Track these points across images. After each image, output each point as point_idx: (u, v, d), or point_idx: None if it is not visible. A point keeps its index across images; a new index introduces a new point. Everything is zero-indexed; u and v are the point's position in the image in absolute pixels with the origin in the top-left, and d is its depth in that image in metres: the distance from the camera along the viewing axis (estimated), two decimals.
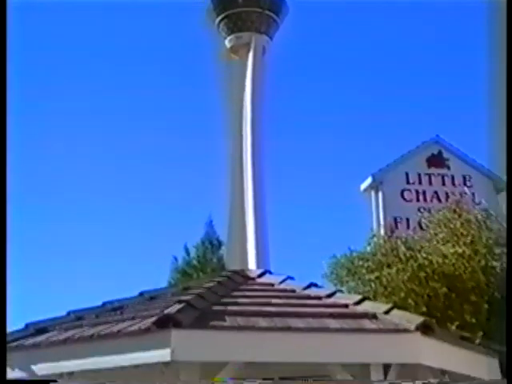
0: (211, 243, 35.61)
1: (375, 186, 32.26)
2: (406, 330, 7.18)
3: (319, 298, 8.15)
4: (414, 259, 14.83)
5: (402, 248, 15.57)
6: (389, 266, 14.88)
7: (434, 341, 7.50)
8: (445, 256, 14.76)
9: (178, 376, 7.03)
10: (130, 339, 6.95)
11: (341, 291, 9.46)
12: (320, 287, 8.99)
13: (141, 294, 8.83)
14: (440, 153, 32.89)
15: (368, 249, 16.68)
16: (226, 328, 7.02)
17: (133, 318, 7.26)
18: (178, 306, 6.96)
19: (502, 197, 24.27)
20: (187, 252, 36.66)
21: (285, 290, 8.44)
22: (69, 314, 8.39)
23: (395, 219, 29.34)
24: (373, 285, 14.80)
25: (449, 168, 32.56)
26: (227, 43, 31.94)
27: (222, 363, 7.17)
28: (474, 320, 13.47)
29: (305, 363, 7.88)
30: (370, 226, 25.83)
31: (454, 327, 11.98)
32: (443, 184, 31.76)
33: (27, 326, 8.16)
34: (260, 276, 9.05)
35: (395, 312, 7.54)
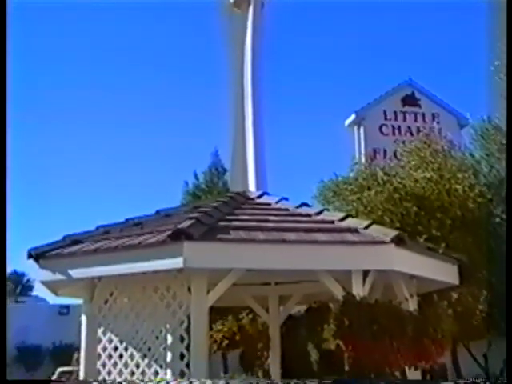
0: (217, 170, 35.67)
1: (357, 122, 32.26)
2: (382, 242, 7.14)
3: (309, 215, 8.09)
4: (390, 183, 14.82)
5: (380, 173, 15.55)
6: (368, 189, 14.87)
7: (406, 251, 7.47)
8: (416, 180, 14.76)
9: (190, 280, 7.02)
10: (148, 249, 6.91)
11: (327, 210, 9.37)
12: (310, 206, 8.92)
13: (157, 212, 8.77)
14: (413, 94, 32.82)
15: (351, 174, 16.67)
16: (230, 240, 6.97)
17: (151, 232, 7.21)
18: (189, 222, 6.90)
19: (464, 131, 24.20)
20: (196, 177, 36.73)
21: (280, 209, 8.38)
22: (98, 228, 8.35)
23: (374, 150, 29.39)
24: (355, 204, 14.82)
25: (420, 107, 32.56)
26: None
27: (226, 270, 7.16)
28: (438, 234, 13.50)
29: (297, 270, 7.86)
30: (353, 155, 25.82)
31: (422, 240, 11.98)
32: (415, 120, 31.77)
33: (64, 237, 8.12)
34: (259, 197, 8.97)
35: (373, 227, 7.49)
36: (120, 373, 7.57)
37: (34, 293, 43.80)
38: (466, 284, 11.51)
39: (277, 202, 8.64)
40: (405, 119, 32.45)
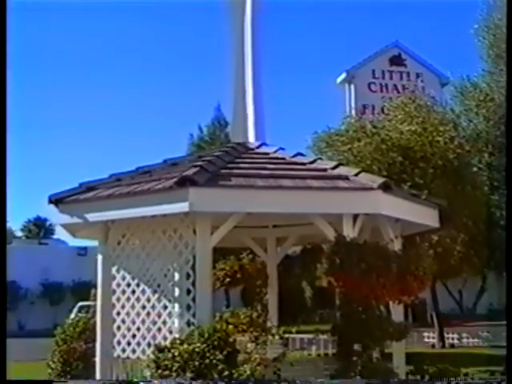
0: (219, 123, 35.51)
1: (348, 80, 32.07)
2: (370, 188, 7.08)
3: (304, 164, 8.00)
4: (378, 135, 14.75)
5: (369, 126, 15.48)
6: (358, 140, 14.79)
7: (392, 196, 7.42)
8: (401, 133, 14.69)
9: (195, 223, 6.99)
10: (157, 195, 6.85)
11: (321, 159, 9.29)
12: (304, 156, 8.82)
13: (165, 161, 8.67)
14: (399, 54, 32.57)
15: (342, 127, 16.58)
16: (231, 186, 6.90)
17: (159, 179, 7.13)
18: (194, 170, 6.82)
19: (445, 89, 24.01)
20: (200, 130, 36.61)
21: (277, 158, 8.28)
22: (110, 176, 8.26)
23: (364, 105, 29.27)
24: (346, 154, 14.77)
25: (406, 66, 32.36)
26: None
27: (228, 213, 7.11)
28: (421, 181, 13.49)
29: (292, 214, 7.82)
30: (344, 110, 25.69)
31: (406, 187, 11.95)
32: (401, 79, 31.59)
33: (80, 185, 8.04)
34: (258, 147, 8.87)
35: (362, 175, 7.41)
36: (133, 306, 7.59)
37: (56, 236, 44.01)
38: (445, 227, 11.51)
39: (274, 152, 8.54)
40: (392, 78, 32.26)
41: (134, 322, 7.56)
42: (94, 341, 8.16)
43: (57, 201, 7.81)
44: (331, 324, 7.19)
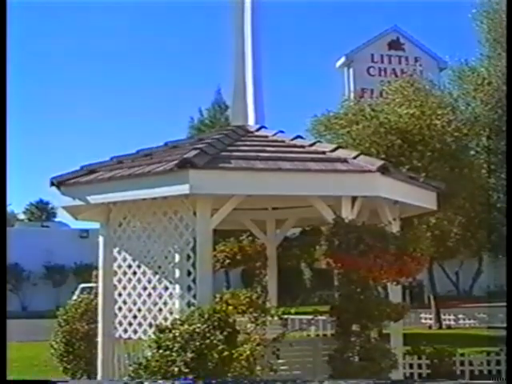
0: (220, 106, 35.41)
1: (347, 64, 31.95)
2: (369, 171, 7.06)
3: (303, 146, 7.96)
4: (377, 118, 14.70)
5: (368, 110, 15.42)
6: (357, 124, 14.74)
7: (390, 179, 7.40)
8: (400, 116, 14.63)
9: (195, 205, 6.97)
10: (158, 177, 6.83)
11: (320, 142, 9.25)
12: (304, 139, 8.78)
13: (165, 144, 8.62)
14: (398, 39, 32.41)
15: (341, 110, 16.51)
16: (231, 168, 6.87)
17: (160, 162, 7.10)
18: (194, 152, 6.79)
19: (444, 73, 23.88)
20: (201, 113, 36.55)
21: (276, 141, 8.24)
22: (112, 159, 8.22)
23: (362, 89, 29.15)
24: (344, 137, 14.74)
25: (404, 51, 32.22)
26: None
27: (228, 196, 7.09)
28: (419, 164, 13.46)
29: (292, 196, 7.79)
30: (343, 93, 25.60)
31: (404, 169, 11.91)
32: (399, 63, 31.48)
33: (82, 167, 8.00)
34: (257, 130, 8.82)
35: (361, 157, 7.38)
36: (134, 288, 7.59)
37: (58, 219, 44.07)
38: (442, 209, 11.52)
39: (274, 135, 8.49)
40: (390, 62, 32.17)
41: (135, 303, 7.56)
42: (96, 322, 8.17)
43: (58, 183, 7.78)
44: (330, 305, 7.20)
